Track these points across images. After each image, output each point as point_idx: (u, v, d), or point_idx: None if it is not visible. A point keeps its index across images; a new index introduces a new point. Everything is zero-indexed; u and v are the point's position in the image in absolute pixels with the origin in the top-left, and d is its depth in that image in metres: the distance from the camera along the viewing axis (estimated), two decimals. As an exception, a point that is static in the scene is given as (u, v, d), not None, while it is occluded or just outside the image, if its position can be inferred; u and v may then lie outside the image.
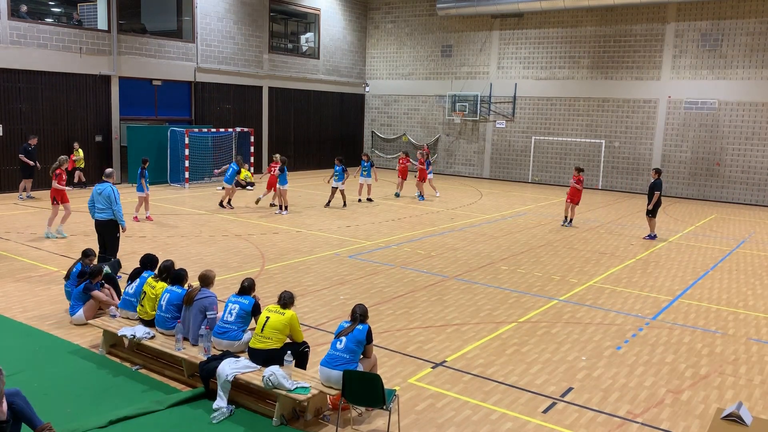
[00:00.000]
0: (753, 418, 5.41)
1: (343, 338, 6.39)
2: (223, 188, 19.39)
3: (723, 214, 21.17)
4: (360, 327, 6.45)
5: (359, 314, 6.54)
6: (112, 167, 22.45)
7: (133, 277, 8.37)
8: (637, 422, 6.62)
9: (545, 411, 6.78)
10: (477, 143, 30.15)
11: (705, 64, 24.57)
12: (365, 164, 20.51)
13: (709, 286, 12.16)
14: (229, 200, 18.70)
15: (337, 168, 19.29)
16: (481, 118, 29.56)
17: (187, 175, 22.81)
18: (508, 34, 28.78)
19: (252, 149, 25.69)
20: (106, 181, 10.88)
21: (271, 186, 19.15)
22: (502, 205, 21.16)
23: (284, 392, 6.17)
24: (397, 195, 22.23)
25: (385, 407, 5.96)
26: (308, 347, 7.02)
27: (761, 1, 23.40)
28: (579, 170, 17.82)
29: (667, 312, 10.41)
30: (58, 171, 13.95)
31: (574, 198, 17.54)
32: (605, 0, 24.82)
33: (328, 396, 6.49)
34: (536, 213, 20.06)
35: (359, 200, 20.91)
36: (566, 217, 17.81)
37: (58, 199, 13.85)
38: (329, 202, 19.60)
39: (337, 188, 19.42)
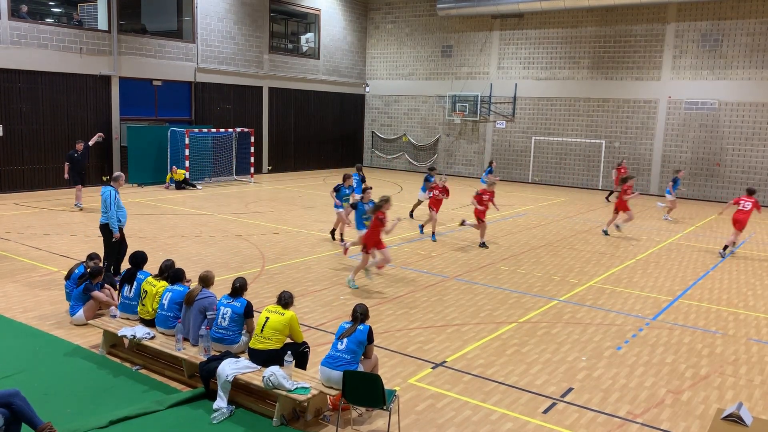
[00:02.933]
0: (753, 419, 5.40)
1: (345, 339, 6.39)
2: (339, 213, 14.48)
3: (723, 215, 21.15)
4: (361, 327, 6.45)
5: (360, 314, 6.55)
6: (115, 168, 22.59)
7: (127, 279, 8.34)
8: (638, 422, 6.62)
9: (545, 411, 6.78)
10: (477, 143, 30.15)
11: (705, 65, 24.56)
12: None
13: (709, 286, 12.16)
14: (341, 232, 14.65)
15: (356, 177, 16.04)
16: (481, 118, 29.56)
17: (187, 175, 22.79)
18: (508, 35, 28.78)
19: (252, 149, 25.70)
20: (109, 185, 10.79)
21: (620, 208, 16.50)
22: (502, 206, 21.14)
23: (284, 392, 6.17)
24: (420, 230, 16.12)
25: (385, 407, 5.95)
26: (308, 347, 7.02)
27: (761, 2, 23.40)
28: (751, 192, 15.09)
29: (667, 312, 10.41)
30: None
31: (741, 223, 14.73)
32: (605, 0, 24.82)
33: (328, 396, 6.49)
34: (536, 213, 20.06)
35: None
36: (726, 246, 14.89)
37: None
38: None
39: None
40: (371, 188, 12.08)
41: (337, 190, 14.10)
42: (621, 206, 16.56)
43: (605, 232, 16.87)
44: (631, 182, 16.97)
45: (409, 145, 32.01)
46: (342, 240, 14.12)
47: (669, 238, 16.76)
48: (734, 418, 5.33)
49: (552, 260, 13.70)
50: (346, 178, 14.46)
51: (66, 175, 17.59)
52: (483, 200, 14.53)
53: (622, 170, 23.22)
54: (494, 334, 9.03)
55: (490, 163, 22.66)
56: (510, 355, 8.27)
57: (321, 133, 31.02)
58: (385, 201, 11.06)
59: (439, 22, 30.30)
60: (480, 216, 14.55)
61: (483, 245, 14.63)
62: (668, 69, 25.27)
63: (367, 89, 33.06)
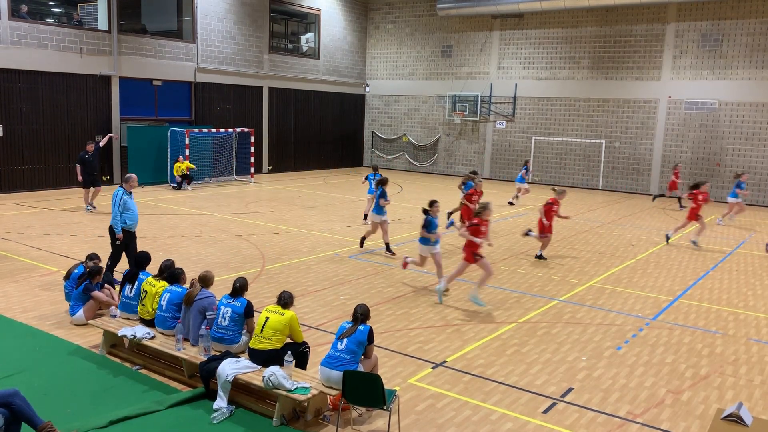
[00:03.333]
0: (753, 419, 5.40)
1: (345, 339, 6.38)
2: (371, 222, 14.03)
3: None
4: (361, 328, 6.44)
5: (360, 314, 6.54)
6: (115, 168, 22.60)
7: (129, 279, 8.34)
8: (638, 422, 6.61)
9: (545, 411, 6.78)
10: (477, 143, 30.15)
11: (705, 65, 24.56)
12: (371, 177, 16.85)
13: (709, 286, 12.15)
14: (387, 244, 13.59)
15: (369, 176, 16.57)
16: (481, 118, 29.56)
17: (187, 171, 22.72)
18: (508, 35, 28.79)
19: (252, 149, 25.69)
20: (120, 186, 10.51)
21: (692, 218, 15.35)
22: (502, 205, 21.13)
23: (284, 392, 6.16)
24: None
25: (385, 407, 5.95)
26: (308, 347, 7.02)
27: (761, 2, 23.40)
28: None
29: (667, 312, 10.40)
30: None
31: None
32: (605, 0, 24.83)
33: (328, 396, 6.49)
34: (536, 213, 20.01)
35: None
36: None
37: None
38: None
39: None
40: (437, 202, 11.17)
41: (382, 195, 13.36)
42: (693, 215, 15.36)
43: (694, 243, 15.51)
44: (705, 187, 15.37)
45: (409, 145, 32.00)
46: (389, 250, 13.58)
47: (670, 238, 16.72)
48: (734, 418, 5.33)
49: (551, 260, 13.69)
50: (383, 182, 13.58)
51: (79, 177, 17.13)
52: (552, 210, 13.47)
53: (677, 174, 22.28)
54: (494, 334, 9.03)
55: (526, 162, 22.49)
56: (510, 355, 8.26)
57: (321, 133, 31.00)
58: (484, 208, 10.23)
59: (439, 22, 30.29)
60: (546, 230, 13.47)
61: (540, 257, 13.67)
62: (668, 69, 25.26)
63: (368, 89, 33.06)
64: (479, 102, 29.32)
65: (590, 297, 11.06)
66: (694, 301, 11.12)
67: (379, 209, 13.44)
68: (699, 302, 11.04)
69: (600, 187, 26.93)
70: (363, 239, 13.94)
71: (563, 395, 7.16)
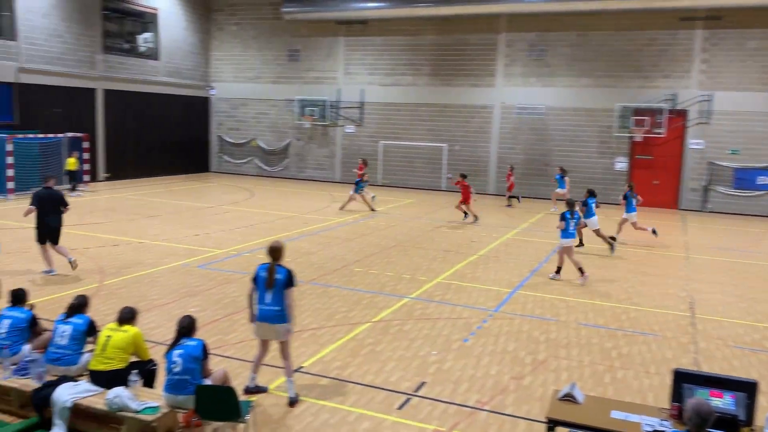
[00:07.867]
0: (585, 396, 5.82)
1: (178, 359, 6.05)
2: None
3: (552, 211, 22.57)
4: (193, 342, 6.16)
5: (182, 328, 6.24)
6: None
7: None
8: (485, 410, 6.98)
9: (400, 407, 6.97)
10: (327, 148, 30.29)
11: (533, 72, 26.39)
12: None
13: (543, 278, 12.99)
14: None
15: None
16: (330, 123, 29.72)
17: (11, 185, 20.86)
18: (353, 41, 29.22)
19: (87, 155, 24.11)
20: None
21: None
22: (354, 208, 21.29)
23: (131, 414, 5.79)
24: None
25: (241, 419, 5.79)
26: (155, 365, 6.65)
27: (579, 16, 25.39)
28: None
29: (507, 304, 11.09)
30: None
31: None
32: (442, 11, 26.01)
33: (179, 414, 6.18)
34: (386, 215, 20.47)
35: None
36: None
37: None
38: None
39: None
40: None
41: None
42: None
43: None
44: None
45: (258, 149, 31.47)
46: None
47: (506, 234, 17.74)
48: (568, 398, 5.69)
49: (401, 260, 14.09)
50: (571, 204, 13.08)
51: None
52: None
53: (509, 175, 24.08)
54: (349, 335, 9.16)
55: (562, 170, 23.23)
56: (365, 355, 8.42)
57: (163, 137, 29.55)
58: None
59: (285, 25, 30.04)
60: None
61: None
62: (501, 76, 26.83)
63: (212, 92, 32.12)
64: (328, 106, 29.45)
65: (438, 293, 11.51)
66: (530, 291, 11.93)
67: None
68: (534, 292, 11.85)
69: (443, 189, 27.92)
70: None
71: (416, 390, 7.41)
